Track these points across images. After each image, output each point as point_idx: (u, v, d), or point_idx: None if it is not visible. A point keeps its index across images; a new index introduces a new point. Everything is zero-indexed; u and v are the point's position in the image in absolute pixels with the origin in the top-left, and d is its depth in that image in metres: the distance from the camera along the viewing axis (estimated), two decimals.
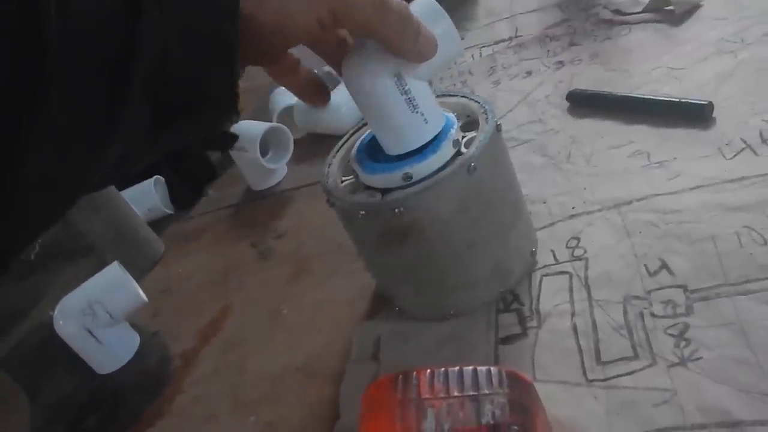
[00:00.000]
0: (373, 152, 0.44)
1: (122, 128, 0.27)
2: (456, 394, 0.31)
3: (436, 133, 0.41)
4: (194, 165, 0.87)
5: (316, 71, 0.42)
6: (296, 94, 0.43)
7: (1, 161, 0.25)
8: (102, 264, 0.64)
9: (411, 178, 0.41)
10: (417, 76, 0.39)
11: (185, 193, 0.85)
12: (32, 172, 0.26)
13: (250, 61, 0.34)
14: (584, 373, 0.39)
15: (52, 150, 0.26)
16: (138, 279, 0.63)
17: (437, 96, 0.48)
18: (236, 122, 0.33)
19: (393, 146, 0.42)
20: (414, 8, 0.37)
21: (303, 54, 0.39)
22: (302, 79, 0.41)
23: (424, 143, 0.41)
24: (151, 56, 0.27)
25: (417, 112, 0.40)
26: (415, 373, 0.33)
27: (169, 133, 0.30)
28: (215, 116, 0.31)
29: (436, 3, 0.38)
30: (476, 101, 0.46)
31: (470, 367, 0.32)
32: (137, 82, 0.27)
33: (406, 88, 0.39)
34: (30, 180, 0.26)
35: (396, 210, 0.41)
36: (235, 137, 0.36)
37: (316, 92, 0.42)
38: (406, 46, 0.36)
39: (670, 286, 0.41)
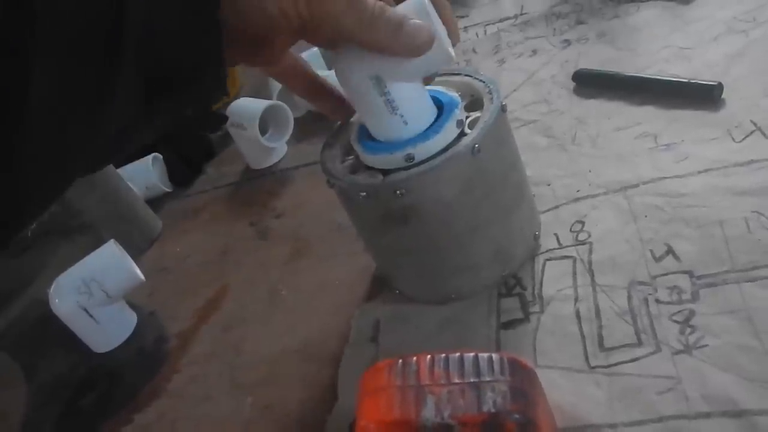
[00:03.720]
0: None
1: (116, 100, 0.27)
2: (456, 380, 0.30)
3: (418, 133, 0.40)
4: (191, 142, 0.85)
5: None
6: (305, 98, 0.45)
7: None
8: (98, 242, 0.64)
9: (413, 159, 0.40)
10: (400, 77, 0.38)
11: (183, 170, 0.84)
12: (30, 146, 0.26)
13: (243, 52, 0.34)
14: (587, 359, 0.38)
15: (48, 123, 0.26)
16: (135, 257, 0.63)
17: (441, 75, 0.46)
18: (223, 98, 0.33)
19: (378, 136, 0.42)
20: (402, 8, 0.36)
21: None
22: (306, 82, 0.43)
23: (402, 141, 0.40)
24: (139, 27, 0.27)
25: (396, 114, 0.39)
26: (414, 358, 0.32)
27: (161, 108, 0.30)
28: (203, 91, 0.32)
29: (426, 3, 0.37)
30: (481, 80, 0.44)
31: (471, 354, 0.32)
32: (128, 53, 0.27)
33: (386, 90, 0.38)
34: (28, 154, 0.26)
35: (397, 191, 0.40)
36: (224, 118, 0.37)
37: (325, 96, 0.44)
38: (384, 42, 0.35)
39: (676, 272, 0.41)
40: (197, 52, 0.29)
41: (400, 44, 0.36)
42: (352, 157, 0.45)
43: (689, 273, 0.40)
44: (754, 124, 0.48)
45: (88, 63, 0.26)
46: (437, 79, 0.46)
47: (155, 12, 0.27)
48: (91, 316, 0.59)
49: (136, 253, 0.69)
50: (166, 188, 0.82)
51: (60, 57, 0.25)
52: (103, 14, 0.26)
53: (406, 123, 0.40)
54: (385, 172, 0.41)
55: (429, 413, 0.30)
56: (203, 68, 0.30)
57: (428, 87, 0.42)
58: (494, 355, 0.31)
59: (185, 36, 0.29)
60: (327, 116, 0.46)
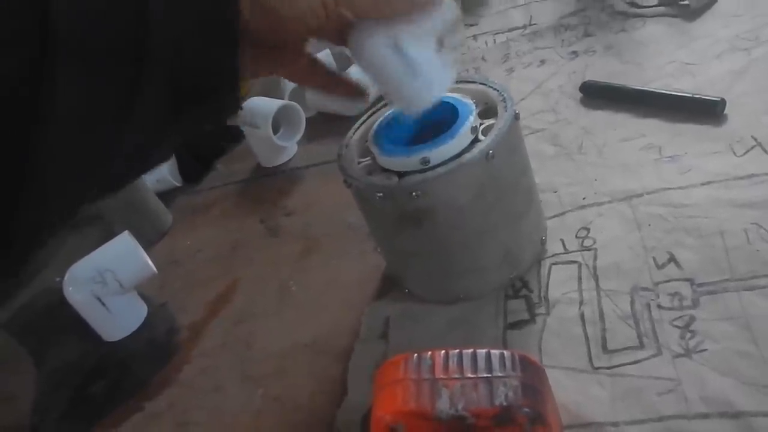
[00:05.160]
0: (391, 135, 0.45)
1: (137, 116, 0.28)
2: (470, 375, 0.32)
3: (444, 94, 0.41)
4: (202, 139, 0.87)
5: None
6: (322, 91, 0.44)
7: (18, 148, 0.25)
8: (109, 233, 0.65)
9: (429, 162, 0.41)
10: (416, 37, 0.38)
11: (193, 166, 0.85)
12: (50, 160, 0.26)
13: (266, 61, 0.35)
14: (590, 360, 0.40)
15: (68, 138, 0.26)
16: (145, 250, 0.64)
17: (457, 82, 0.48)
18: (238, 111, 0.33)
19: (405, 106, 0.41)
20: None
21: None
22: (322, 77, 0.43)
23: (433, 104, 0.40)
24: (165, 38, 0.27)
25: (419, 78, 0.39)
26: (429, 353, 0.34)
27: (182, 121, 0.31)
28: (219, 103, 0.32)
29: None
30: (495, 89, 0.46)
31: (484, 350, 0.33)
32: (152, 65, 0.27)
33: (405, 54, 0.38)
34: (48, 168, 0.26)
35: (413, 193, 0.41)
36: (240, 133, 0.37)
37: (341, 84, 0.43)
38: (401, 10, 0.36)
39: (678, 279, 0.42)
40: (215, 68, 0.30)
41: (414, 5, 0.37)
42: (368, 158, 0.46)
43: (690, 280, 0.42)
44: (755, 140, 0.50)
45: (109, 79, 0.26)
46: (452, 86, 0.47)
47: (177, 28, 0.28)
48: (103, 305, 0.60)
49: (146, 246, 0.70)
50: (177, 182, 0.84)
51: (82, 70, 0.25)
52: (127, 23, 0.26)
53: (430, 85, 0.40)
54: (401, 175, 0.42)
55: (443, 405, 0.31)
56: (219, 84, 0.30)
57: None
58: (506, 352, 0.33)
59: (201, 48, 0.29)
60: (344, 97, 0.45)
